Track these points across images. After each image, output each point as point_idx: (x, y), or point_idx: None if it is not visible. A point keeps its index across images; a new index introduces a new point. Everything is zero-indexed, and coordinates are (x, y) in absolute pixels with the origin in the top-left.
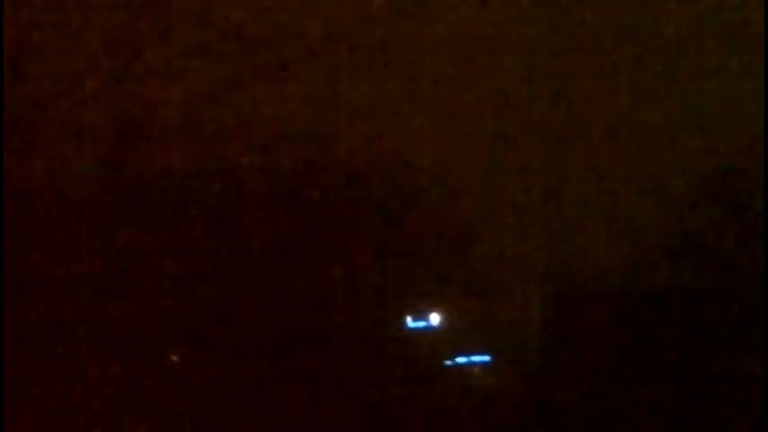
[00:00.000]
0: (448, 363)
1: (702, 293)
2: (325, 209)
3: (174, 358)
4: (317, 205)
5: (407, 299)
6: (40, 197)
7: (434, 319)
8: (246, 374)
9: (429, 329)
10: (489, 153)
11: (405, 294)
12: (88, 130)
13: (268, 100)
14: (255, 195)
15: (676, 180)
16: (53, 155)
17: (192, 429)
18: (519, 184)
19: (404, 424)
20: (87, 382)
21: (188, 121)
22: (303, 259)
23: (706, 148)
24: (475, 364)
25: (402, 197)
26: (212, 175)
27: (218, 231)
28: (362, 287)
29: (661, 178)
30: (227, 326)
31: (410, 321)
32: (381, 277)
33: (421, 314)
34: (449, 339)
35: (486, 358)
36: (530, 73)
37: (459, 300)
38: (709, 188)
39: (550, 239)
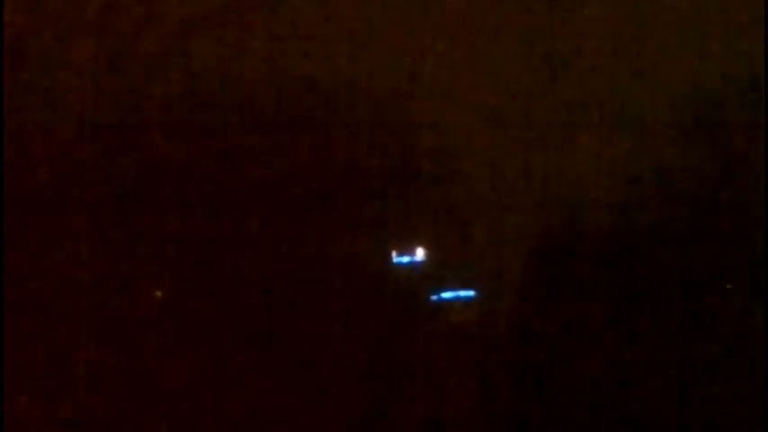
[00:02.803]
0: (433, 298)
1: (690, 232)
2: (311, 145)
3: (158, 293)
4: (303, 141)
5: (393, 234)
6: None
7: (420, 254)
8: (228, 310)
9: (414, 265)
10: (473, 88)
11: (390, 229)
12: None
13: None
14: (241, 127)
15: (658, 114)
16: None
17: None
18: (503, 119)
19: (385, 357)
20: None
21: (173, 53)
22: (287, 195)
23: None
24: (459, 299)
25: (387, 132)
26: (198, 104)
27: (198, 161)
28: (348, 222)
29: (644, 110)
30: (210, 263)
31: (395, 256)
32: (367, 212)
33: (406, 250)
34: (434, 275)
35: (472, 293)
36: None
37: (446, 235)
38: (697, 125)
39: (536, 174)
